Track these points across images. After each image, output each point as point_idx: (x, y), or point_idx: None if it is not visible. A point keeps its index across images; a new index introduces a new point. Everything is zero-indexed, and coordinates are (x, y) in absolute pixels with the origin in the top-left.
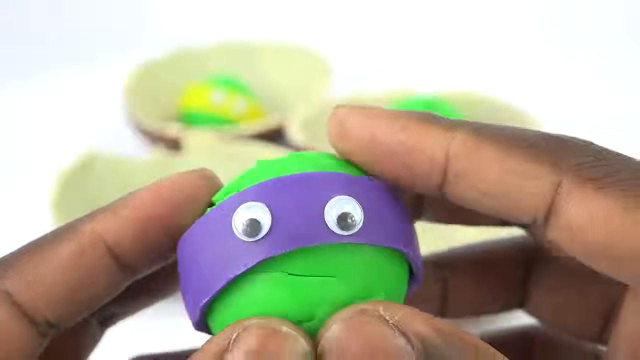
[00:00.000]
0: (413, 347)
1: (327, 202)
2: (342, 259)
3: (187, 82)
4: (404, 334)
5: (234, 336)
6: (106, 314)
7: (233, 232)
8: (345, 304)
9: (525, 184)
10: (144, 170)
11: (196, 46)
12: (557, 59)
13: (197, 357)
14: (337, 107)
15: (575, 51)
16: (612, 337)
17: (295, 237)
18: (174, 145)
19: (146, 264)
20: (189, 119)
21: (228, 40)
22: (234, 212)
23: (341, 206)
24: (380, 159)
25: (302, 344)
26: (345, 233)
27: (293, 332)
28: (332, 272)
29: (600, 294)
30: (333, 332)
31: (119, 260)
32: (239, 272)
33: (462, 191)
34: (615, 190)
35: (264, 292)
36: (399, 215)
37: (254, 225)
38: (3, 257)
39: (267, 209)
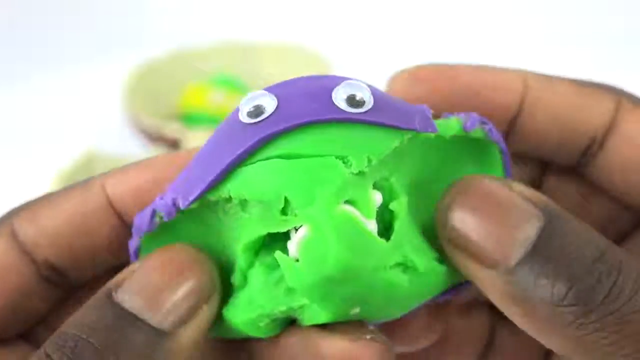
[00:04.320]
0: (538, 209)
1: (336, 86)
2: (352, 136)
3: (187, 82)
4: (528, 199)
5: (139, 262)
6: None
7: (240, 120)
8: (350, 186)
9: (590, 103)
10: None
11: (196, 46)
12: (561, 60)
13: (105, 286)
14: (401, 70)
15: (577, 52)
16: None
17: (299, 115)
18: (173, 145)
19: None
20: (189, 119)
21: (228, 40)
22: (241, 103)
23: (350, 88)
24: (459, 100)
25: (206, 268)
26: (354, 110)
27: (197, 255)
28: (340, 152)
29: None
30: (460, 188)
31: (122, 218)
32: (238, 152)
33: (534, 118)
34: None
35: (261, 177)
36: (410, 105)
37: (257, 109)
38: (24, 202)
39: (274, 97)
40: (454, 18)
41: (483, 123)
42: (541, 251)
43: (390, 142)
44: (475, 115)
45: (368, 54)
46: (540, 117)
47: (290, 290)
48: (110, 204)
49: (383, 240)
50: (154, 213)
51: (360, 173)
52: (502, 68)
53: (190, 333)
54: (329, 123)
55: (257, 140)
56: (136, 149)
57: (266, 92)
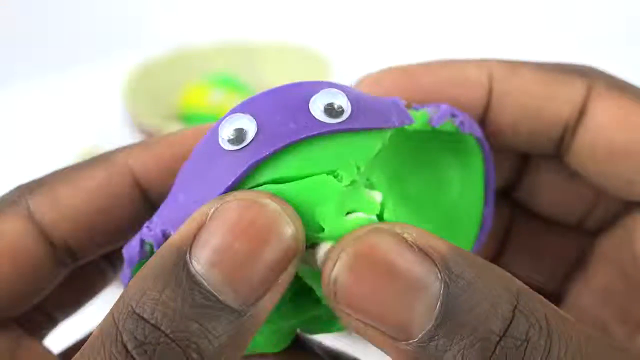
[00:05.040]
0: (435, 264)
1: (312, 96)
2: (336, 148)
3: (187, 82)
4: (423, 250)
5: (211, 211)
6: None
7: (220, 146)
8: (346, 198)
9: (560, 90)
10: None
11: (196, 46)
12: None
13: (172, 239)
14: (363, 76)
15: (580, 51)
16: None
17: (282, 135)
18: None
19: None
20: (189, 119)
21: (228, 40)
22: (219, 127)
23: (326, 96)
24: (425, 101)
25: (291, 221)
26: (334, 121)
27: (280, 207)
28: (328, 166)
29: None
30: (347, 255)
31: (145, 194)
32: (231, 182)
33: (504, 111)
34: (637, 96)
35: None
36: (383, 99)
37: (239, 134)
38: (38, 178)
39: (252, 118)
40: (453, 17)
41: (453, 116)
42: (446, 320)
43: (373, 145)
44: (445, 107)
45: (368, 53)
46: (509, 110)
47: (301, 306)
48: (137, 183)
49: None
50: (142, 243)
51: (352, 182)
52: (467, 61)
53: (269, 303)
54: (312, 138)
55: (246, 168)
56: None
57: (242, 114)
